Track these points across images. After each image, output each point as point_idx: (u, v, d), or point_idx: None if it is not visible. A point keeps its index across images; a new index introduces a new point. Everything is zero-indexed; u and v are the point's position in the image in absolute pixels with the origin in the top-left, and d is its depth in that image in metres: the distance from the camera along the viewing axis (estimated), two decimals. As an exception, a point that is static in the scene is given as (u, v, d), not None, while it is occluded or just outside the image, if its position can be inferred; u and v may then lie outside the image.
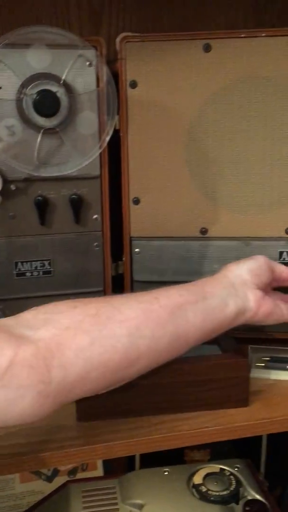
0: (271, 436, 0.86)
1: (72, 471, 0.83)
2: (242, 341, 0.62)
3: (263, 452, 0.87)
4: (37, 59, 0.58)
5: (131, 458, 0.83)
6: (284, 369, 0.59)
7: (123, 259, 0.67)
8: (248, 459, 0.77)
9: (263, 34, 0.59)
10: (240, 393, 0.54)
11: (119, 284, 0.68)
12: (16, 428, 0.51)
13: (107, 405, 0.52)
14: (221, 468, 0.73)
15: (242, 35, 0.59)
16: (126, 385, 0.51)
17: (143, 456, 0.83)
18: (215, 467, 0.73)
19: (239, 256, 0.64)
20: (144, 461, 0.82)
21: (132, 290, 0.68)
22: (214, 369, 0.53)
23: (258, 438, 0.87)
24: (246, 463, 0.75)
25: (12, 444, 0.50)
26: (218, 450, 0.86)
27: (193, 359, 0.54)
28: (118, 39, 0.60)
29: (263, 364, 0.60)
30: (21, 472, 0.76)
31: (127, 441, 0.50)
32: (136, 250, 0.66)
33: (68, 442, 0.50)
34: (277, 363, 0.60)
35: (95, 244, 0.65)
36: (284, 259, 0.64)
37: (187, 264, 0.66)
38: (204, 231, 0.65)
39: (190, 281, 0.65)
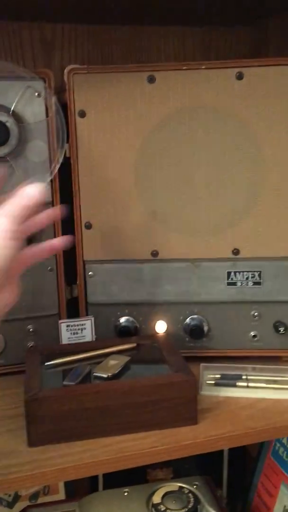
0: (232, 452, 0.87)
1: (34, 496, 0.82)
2: (193, 360, 0.64)
3: (225, 468, 0.88)
4: (-15, 91, 0.60)
5: (94, 480, 0.83)
6: (233, 385, 0.61)
7: (77, 282, 0.68)
8: (207, 476, 0.78)
9: (203, 67, 0.62)
10: (189, 412, 0.55)
11: (74, 307, 0.69)
12: None
13: (58, 429, 0.53)
14: (180, 486, 0.74)
15: (184, 68, 0.62)
16: (76, 408, 0.53)
17: (106, 477, 0.83)
18: (174, 485, 0.74)
19: (189, 277, 0.67)
20: (108, 481, 0.83)
21: (87, 312, 0.69)
22: (163, 388, 0.54)
23: (220, 454, 0.88)
24: (205, 480, 0.76)
25: None
26: (181, 468, 0.87)
27: (142, 379, 0.55)
28: (66, 71, 0.62)
29: (213, 382, 0.62)
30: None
31: (77, 464, 0.51)
32: (90, 273, 0.68)
33: (19, 468, 0.50)
34: (226, 380, 0.62)
35: (49, 268, 0.67)
36: (232, 279, 0.67)
37: (140, 286, 0.68)
38: (155, 253, 0.67)
39: (143, 303, 0.68)
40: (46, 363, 0.60)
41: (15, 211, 0.45)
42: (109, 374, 0.57)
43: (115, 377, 0.57)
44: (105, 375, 0.57)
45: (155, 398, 0.54)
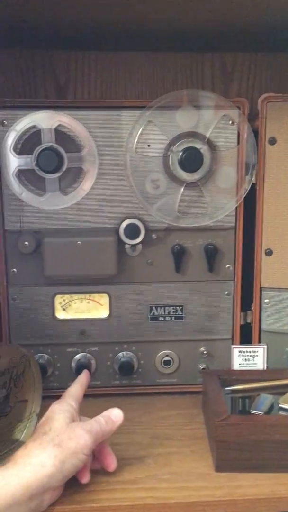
0: None
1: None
2: None
3: None
4: (185, 120, 0.62)
5: None
6: None
7: (252, 308, 0.68)
8: None
9: None
10: None
11: (247, 333, 0.68)
12: (156, 471, 0.53)
13: (246, 457, 0.52)
14: None
15: None
16: (265, 439, 0.52)
17: None
18: None
19: None
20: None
21: (260, 340, 0.68)
22: None
23: None
24: None
25: (152, 487, 0.51)
26: None
27: None
28: (260, 99, 0.63)
29: None
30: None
31: (269, 497, 0.50)
32: (266, 300, 0.67)
33: (211, 491, 0.50)
34: None
35: (226, 292, 0.67)
36: None
37: None
38: None
39: None
40: (226, 388, 0.60)
41: (100, 433, 0.50)
42: (297, 408, 0.55)
43: (302, 411, 0.56)
44: (293, 408, 0.55)
45: None
